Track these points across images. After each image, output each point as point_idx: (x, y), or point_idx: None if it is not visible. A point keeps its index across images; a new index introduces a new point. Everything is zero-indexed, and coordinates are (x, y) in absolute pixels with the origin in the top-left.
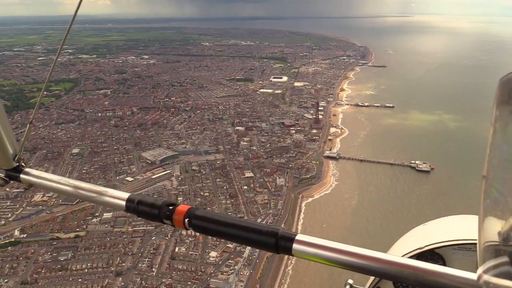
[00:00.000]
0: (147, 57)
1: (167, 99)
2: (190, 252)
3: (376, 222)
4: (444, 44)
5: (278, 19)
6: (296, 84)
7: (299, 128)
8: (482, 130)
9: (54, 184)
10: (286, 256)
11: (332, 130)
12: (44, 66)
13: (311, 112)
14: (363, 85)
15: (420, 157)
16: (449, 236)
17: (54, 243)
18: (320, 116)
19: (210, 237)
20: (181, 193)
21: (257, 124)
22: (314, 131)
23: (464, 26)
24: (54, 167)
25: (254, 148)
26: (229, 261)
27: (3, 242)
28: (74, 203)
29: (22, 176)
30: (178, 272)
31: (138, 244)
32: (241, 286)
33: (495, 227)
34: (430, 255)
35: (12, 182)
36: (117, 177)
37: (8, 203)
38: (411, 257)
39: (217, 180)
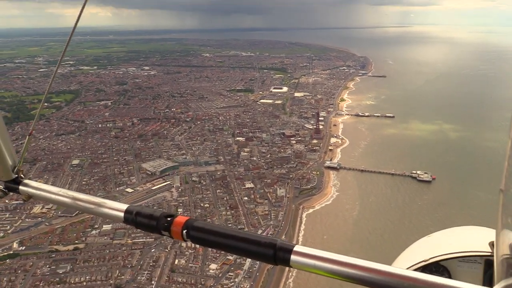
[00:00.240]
0: (148, 68)
1: (168, 110)
2: (190, 265)
3: (377, 233)
4: (444, 54)
5: (278, 30)
6: (297, 94)
7: (299, 138)
8: (482, 139)
9: (53, 196)
10: (286, 268)
11: (333, 140)
12: (45, 77)
13: (312, 122)
14: (363, 95)
15: (421, 167)
16: (454, 248)
17: (53, 255)
18: (321, 126)
19: (210, 249)
20: (181, 204)
21: (258, 134)
22: (315, 141)
23: (463, 36)
24: (54, 178)
25: (255, 158)
26: (229, 273)
27: (1, 254)
28: (73, 214)
29: (21, 187)
30: (178, 285)
31: (137, 257)
32: None
33: None
34: (435, 267)
35: (11, 194)
36: (117, 188)
37: (7, 215)
38: (416, 269)
39: (217, 191)
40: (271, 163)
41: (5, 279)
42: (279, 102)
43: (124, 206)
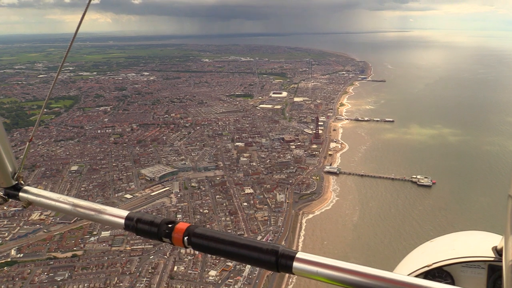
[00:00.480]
0: (147, 73)
1: (167, 115)
2: (189, 271)
3: (377, 238)
4: (443, 58)
5: (277, 35)
6: (296, 99)
7: (299, 143)
8: (482, 143)
9: (53, 202)
10: (286, 275)
11: (332, 145)
12: (44, 83)
13: (311, 127)
14: (362, 100)
15: (421, 172)
16: (457, 253)
17: (51, 262)
18: (320, 131)
19: (209, 255)
20: (180, 210)
21: (257, 139)
22: (314, 146)
23: (462, 40)
24: (52, 184)
25: (254, 164)
26: (229, 280)
27: None
28: (72, 221)
29: (21, 194)
30: None
31: (136, 263)
32: None
33: None
34: (438, 272)
35: (10, 200)
36: (116, 195)
37: (5, 222)
38: (419, 274)
39: (217, 196)
40: (270, 168)
41: (2, 286)
42: (279, 107)
43: (124, 213)
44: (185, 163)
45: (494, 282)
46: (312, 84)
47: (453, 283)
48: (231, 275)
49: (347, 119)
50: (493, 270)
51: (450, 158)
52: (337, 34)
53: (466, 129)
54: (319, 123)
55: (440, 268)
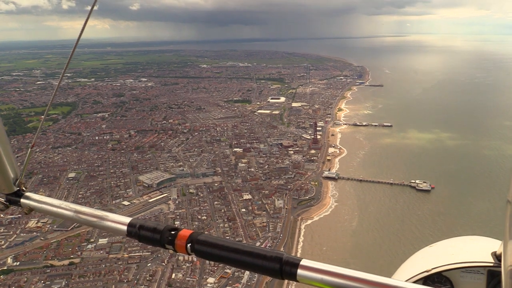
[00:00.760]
0: (145, 79)
1: (165, 121)
2: (187, 279)
3: (377, 244)
4: (440, 62)
5: (275, 40)
6: (294, 104)
7: (297, 148)
8: (480, 147)
9: (54, 209)
10: (285, 282)
11: (331, 150)
12: (42, 90)
13: (309, 132)
14: (360, 105)
15: (420, 176)
16: (456, 258)
17: (48, 271)
18: (319, 136)
19: (207, 262)
20: (178, 217)
21: (255, 145)
22: (313, 151)
23: (459, 44)
24: (49, 191)
25: (252, 169)
26: (227, 287)
27: None
28: (69, 228)
29: (22, 200)
30: None
31: (133, 271)
32: None
33: None
34: (438, 277)
35: (12, 207)
36: (113, 202)
37: (2, 230)
38: (418, 280)
39: (215, 203)
40: (269, 174)
41: None
42: (277, 112)
43: (127, 219)
44: (183, 169)
45: None
46: (310, 89)
47: None
48: (230, 282)
49: (345, 124)
50: (493, 275)
51: (449, 162)
52: (334, 39)
53: (464, 133)
54: (318, 128)
55: (439, 273)
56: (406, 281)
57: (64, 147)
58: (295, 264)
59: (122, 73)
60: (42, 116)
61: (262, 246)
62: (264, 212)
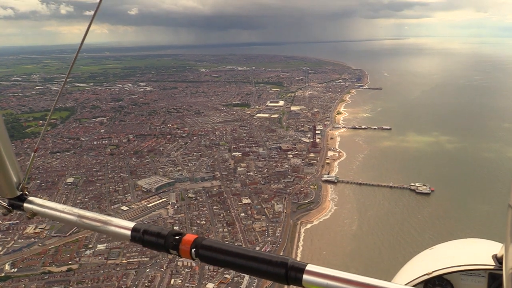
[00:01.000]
0: (144, 84)
1: (164, 125)
2: (186, 284)
3: (376, 248)
4: (439, 65)
5: (274, 44)
6: (293, 108)
7: (296, 152)
8: (479, 150)
9: (57, 213)
10: (285, 286)
11: (330, 153)
12: (41, 95)
13: (308, 136)
14: (359, 108)
15: (420, 179)
16: (457, 261)
17: (46, 277)
18: (318, 140)
19: (207, 267)
20: (177, 221)
21: (254, 149)
22: (312, 155)
23: (457, 47)
24: (48, 197)
25: (251, 173)
26: None
27: None
28: (68, 234)
29: (25, 205)
30: None
31: (132, 277)
32: None
33: None
34: (439, 280)
35: (15, 211)
36: (112, 206)
37: (0, 236)
38: (419, 283)
39: (214, 207)
40: (268, 178)
41: None
42: (276, 116)
43: (130, 224)
44: (181, 174)
45: None
46: (309, 92)
47: None
48: (229, 287)
49: (345, 128)
50: (494, 278)
51: (448, 165)
52: (333, 43)
53: (463, 136)
54: (317, 132)
55: (440, 276)
56: (407, 284)
57: (63, 152)
58: (301, 269)
59: (120, 78)
60: (41, 121)
61: (262, 251)
62: (264, 216)
